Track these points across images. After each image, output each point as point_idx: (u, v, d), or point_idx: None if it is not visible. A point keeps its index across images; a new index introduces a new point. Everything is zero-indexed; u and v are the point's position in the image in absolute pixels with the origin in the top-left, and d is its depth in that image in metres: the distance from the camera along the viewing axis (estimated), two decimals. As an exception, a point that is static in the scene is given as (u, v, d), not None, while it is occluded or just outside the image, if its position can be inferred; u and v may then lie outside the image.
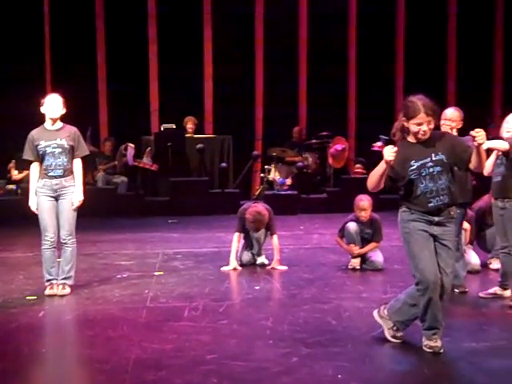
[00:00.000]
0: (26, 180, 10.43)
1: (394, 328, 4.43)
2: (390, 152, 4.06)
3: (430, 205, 4.18)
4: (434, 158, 4.18)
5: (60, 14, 12.45)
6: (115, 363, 4.12)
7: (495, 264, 6.48)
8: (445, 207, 4.22)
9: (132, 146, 11.25)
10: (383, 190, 4.36)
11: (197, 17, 12.79)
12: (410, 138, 4.26)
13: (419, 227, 4.20)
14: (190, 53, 12.69)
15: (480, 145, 4.05)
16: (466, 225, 6.23)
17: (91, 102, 12.36)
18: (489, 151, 5.04)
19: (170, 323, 4.96)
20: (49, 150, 5.88)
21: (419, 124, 4.15)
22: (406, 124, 4.22)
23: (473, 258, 6.56)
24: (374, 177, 4.21)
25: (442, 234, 4.22)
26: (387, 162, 4.09)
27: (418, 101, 4.15)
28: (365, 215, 6.73)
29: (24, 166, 10.02)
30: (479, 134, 4.02)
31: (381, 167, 4.15)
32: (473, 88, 12.80)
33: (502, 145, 5.22)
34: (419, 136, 4.19)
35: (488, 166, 5.23)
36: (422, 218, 4.20)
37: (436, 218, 4.20)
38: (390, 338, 4.44)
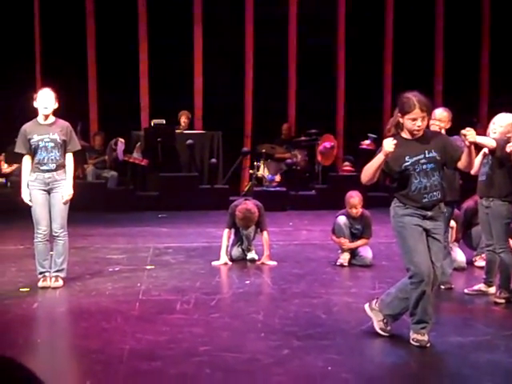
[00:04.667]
0: (15, 173, 10.45)
1: (384, 321, 4.54)
2: (390, 144, 4.16)
3: (425, 200, 4.29)
4: (427, 155, 4.29)
5: (50, 11, 12.44)
6: (110, 354, 4.21)
7: (480, 261, 6.61)
8: (437, 202, 4.35)
9: (122, 140, 11.29)
10: (375, 185, 4.46)
11: (187, 14, 12.84)
12: (405, 134, 4.36)
13: (413, 222, 4.30)
14: (180, 49, 12.73)
15: (471, 143, 4.17)
16: (452, 223, 6.35)
17: (81, 96, 12.37)
18: (475, 149, 5.17)
19: (162, 316, 5.05)
20: (41, 144, 5.93)
21: (414, 119, 4.25)
22: (401, 120, 4.32)
23: (459, 255, 6.68)
24: (370, 169, 4.29)
25: (434, 228, 4.34)
26: (387, 154, 4.18)
27: (413, 97, 4.26)
28: (355, 211, 6.85)
29: (14, 159, 10.05)
30: (470, 132, 4.15)
31: (378, 160, 4.24)
32: (459, 88, 12.95)
33: (490, 142, 5.34)
34: (414, 132, 4.29)
35: (475, 164, 5.35)
36: (415, 213, 4.31)
37: (429, 213, 4.32)
38: (379, 330, 4.55)
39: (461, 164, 4.31)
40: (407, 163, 4.28)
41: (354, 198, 6.86)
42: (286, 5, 13.11)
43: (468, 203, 6.89)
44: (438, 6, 13.47)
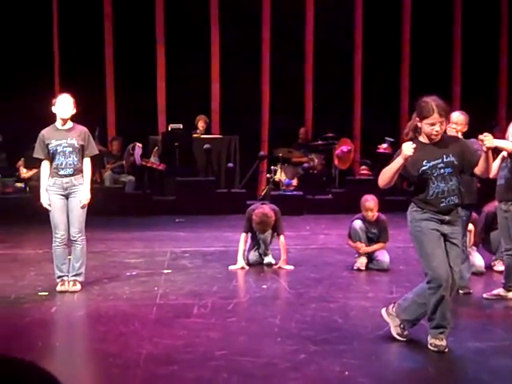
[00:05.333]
0: (34, 178, 10.54)
1: (401, 326, 4.52)
2: (409, 147, 4.13)
3: (442, 205, 4.27)
4: (445, 160, 4.27)
5: (68, 15, 12.54)
6: (128, 358, 4.23)
7: (499, 266, 6.55)
8: (455, 207, 4.32)
9: (140, 145, 11.34)
10: (392, 189, 4.44)
11: (204, 18, 12.89)
12: (423, 138, 4.34)
13: (431, 226, 4.28)
14: (197, 53, 12.78)
15: (488, 149, 4.14)
16: (470, 226, 6.31)
17: (99, 101, 12.44)
18: (493, 153, 5.13)
19: (179, 320, 5.06)
20: (60, 149, 5.98)
21: (432, 124, 4.23)
22: (419, 124, 4.30)
23: (477, 259, 6.63)
24: (388, 173, 4.26)
25: (452, 232, 4.32)
26: (406, 158, 4.16)
27: (432, 101, 4.24)
28: (371, 215, 6.83)
29: (32, 164, 10.14)
30: (487, 138, 4.11)
31: (396, 163, 4.21)
32: (478, 91, 12.87)
33: (509, 145, 5.30)
34: (432, 136, 4.27)
35: (493, 168, 5.31)
36: (433, 217, 4.29)
37: (446, 218, 4.30)
38: (396, 335, 4.53)
39: (478, 169, 4.28)
40: (425, 167, 4.26)
41: (370, 201, 6.84)
42: (303, 8, 13.11)
43: (489, 207, 6.79)
44: (456, 8, 13.40)
